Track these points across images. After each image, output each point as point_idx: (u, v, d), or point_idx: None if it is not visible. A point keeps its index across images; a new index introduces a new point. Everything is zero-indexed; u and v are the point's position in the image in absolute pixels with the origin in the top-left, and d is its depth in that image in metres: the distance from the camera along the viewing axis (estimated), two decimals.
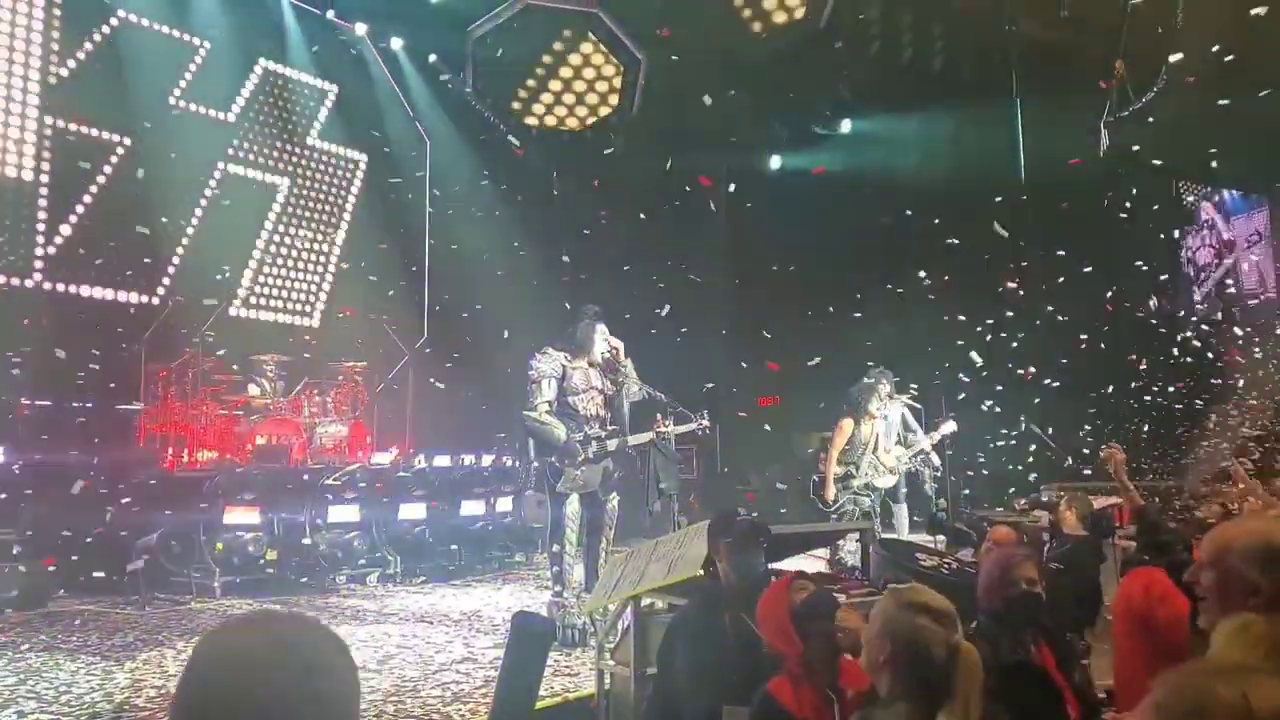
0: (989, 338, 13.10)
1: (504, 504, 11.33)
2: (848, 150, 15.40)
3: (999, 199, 13.18)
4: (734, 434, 13.97)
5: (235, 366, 10.86)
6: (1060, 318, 13.39)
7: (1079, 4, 11.77)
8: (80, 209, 10.92)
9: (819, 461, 9.07)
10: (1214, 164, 13.76)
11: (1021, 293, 13.43)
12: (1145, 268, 14.29)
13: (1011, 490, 12.67)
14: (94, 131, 11.15)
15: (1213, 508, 7.44)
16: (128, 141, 11.39)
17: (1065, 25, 12.25)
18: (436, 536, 10.58)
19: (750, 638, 3.37)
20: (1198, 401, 14.37)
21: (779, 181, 16.14)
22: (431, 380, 12.79)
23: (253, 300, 12.69)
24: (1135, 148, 13.12)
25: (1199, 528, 5.76)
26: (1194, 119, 12.01)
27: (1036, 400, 13.33)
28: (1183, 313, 17.61)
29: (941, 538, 8.12)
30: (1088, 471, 12.58)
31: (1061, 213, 13.35)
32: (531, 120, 14.14)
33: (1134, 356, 14.13)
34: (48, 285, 10.59)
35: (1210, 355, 14.99)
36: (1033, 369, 11.89)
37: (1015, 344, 13.13)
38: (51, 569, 8.47)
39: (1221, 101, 11.53)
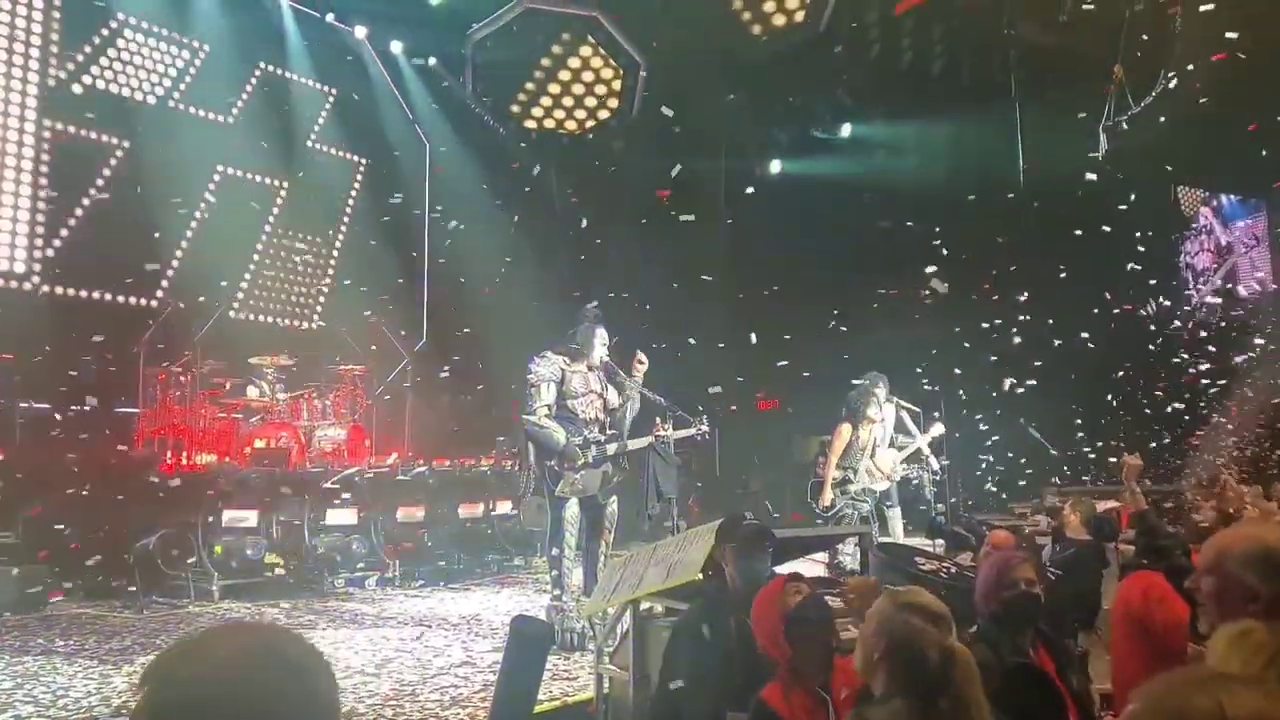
0: (992, 337, 13.11)
1: (503, 507, 11.34)
2: (847, 154, 15.41)
3: (998, 203, 13.21)
4: (733, 437, 13.97)
5: (234, 370, 10.85)
6: (1055, 321, 13.40)
7: (1078, 8, 11.78)
8: (79, 211, 10.91)
9: (817, 465, 9.09)
10: (1212, 168, 13.78)
11: (1021, 297, 13.43)
12: (1144, 272, 14.28)
13: (1003, 497, 12.70)
14: (93, 134, 11.15)
15: (1209, 512, 7.45)
16: (127, 144, 11.39)
17: (1064, 30, 12.27)
18: (435, 540, 10.59)
19: (755, 642, 3.38)
20: (1195, 405, 14.38)
21: (779, 185, 16.14)
22: (423, 379, 12.78)
23: (251, 303, 12.68)
24: (1134, 152, 13.13)
25: (1196, 532, 5.77)
26: (1193, 123, 12.02)
27: (1035, 404, 13.34)
28: (1181, 316, 17.61)
29: (940, 542, 8.12)
30: (1085, 477, 12.60)
31: (1060, 217, 13.36)
32: (531, 124, 14.15)
33: (1131, 360, 14.14)
34: (46, 288, 10.59)
35: (1208, 358, 15.00)
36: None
37: (1014, 347, 13.13)
38: (49, 571, 8.45)
39: (1220, 106, 11.54)
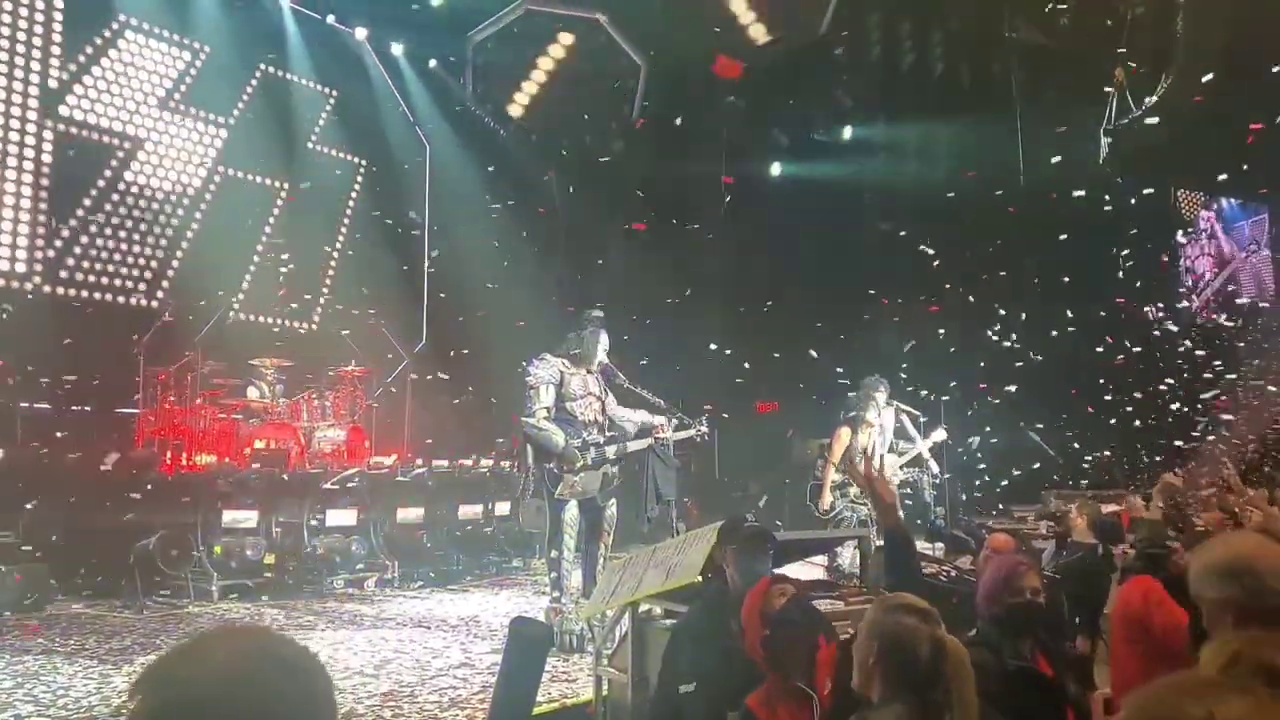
0: (995, 339, 13.12)
1: (502, 509, 11.34)
2: (848, 158, 15.41)
3: (998, 207, 13.22)
4: (733, 440, 13.97)
5: (234, 370, 10.85)
6: (1055, 325, 13.41)
7: (1079, 13, 11.80)
8: (80, 212, 10.92)
9: (816, 469, 9.08)
10: (1213, 172, 13.79)
11: (1021, 301, 13.44)
12: (1144, 276, 14.30)
13: (997, 502, 12.70)
14: (94, 135, 11.16)
15: (1214, 515, 7.44)
16: (128, 145, 11.40)
17: (1065, 34, 12.29)
18: (434, 541, 10.59)
19: None
20: (1197, 409, 14.39)
21: (779, 188, 16.15)
22: (422, 380, 12.78)
23: (251, 304, 12.68)
24: (1134, 156, 13.15)
25: (1193, 536, 5.76)
26: (1194, 128, 12.04)
27: (1034, 408, 13.35)
28: (1181, 320, 17.62)
29: (940, 545, 8.13)
30: (1085, 481, 12.60)
31: (1061, 220, 13.39)
32: (532, 125, 14.18)
33: (1131, 364, 14.15)
34: (47, 288, 10.59)
35: (1209, 362, 15.01)
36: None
37: (1014, 350, 13.14)
38: (49, 570, 8.45)
39: (1221, 111, 11.56)
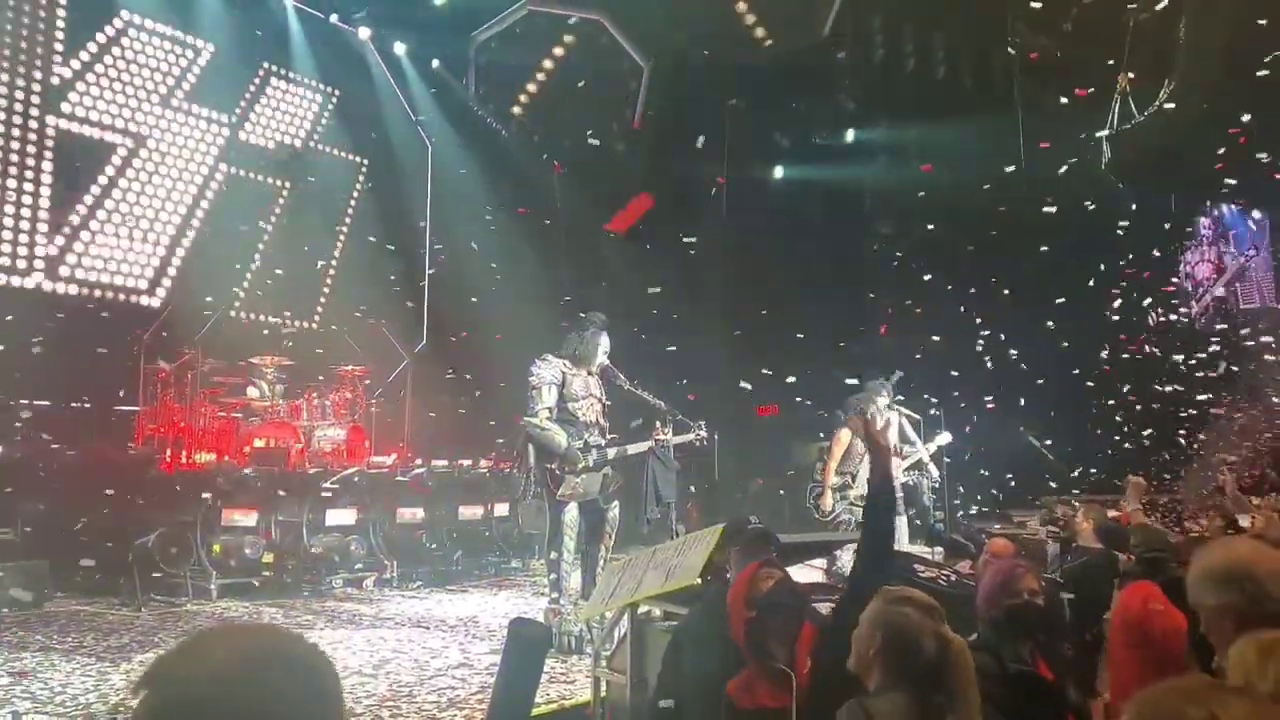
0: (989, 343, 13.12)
1: (502, 509, 11.33)
2: (850, 161, 15.41)
3: (999, 210, 13.22)
4: (732, 443, 13.96)
5: (234, 369, 10.85)
6: (1055, 330, 13.40)
7: (1082, 17, 11.80)
8: (81, 209, 10.93)
9: (816, 471, 9.07)
10: (1212, 177, 13.78)
11: (1021, 304, 13.44)
12: (1143, 281, 14.30)
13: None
14: (96, 132, 11.16)
15: (1215, 521, 7.44)
16: (129, 143, 11.41)
17: (1068, 38, 12.29)
18: (433, 541, 10.59)
19: None
20: (1195, 413, 14.38)
21: (780, 190, 16.15)
22: (422, 380, 12.77)
23: (252, 303, 12.68)
24: (1135, 161, 13.15)
25: (1189, 541, 5.76)
26: (1194, 134, 12.05)
27: (1034, 412, 13.34)
28: (1181, 326, 17.61)
29: (939, 549, 8.11)
30: (1077, 488, 12.58)
31: (1061, 225, 13.38)
32: (533, 126, 14.18)
33: (1131, 368, 14.14)
34: (48, 285, 10.59)
35: (1208, 367, 15.00)
36: (991, 400, 11.87)
37: (1013, 355, 13.14)
38: (48, 567, 8.46)
39: (1222, 116, 11.56)
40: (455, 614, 8.42)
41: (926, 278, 13.54)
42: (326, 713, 1.23)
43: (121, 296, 11.22)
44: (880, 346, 13.50)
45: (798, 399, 13.45)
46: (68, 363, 9.88)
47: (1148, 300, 14.62)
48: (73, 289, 10.80)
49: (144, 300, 11.40)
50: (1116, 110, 12.54)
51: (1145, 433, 13.79)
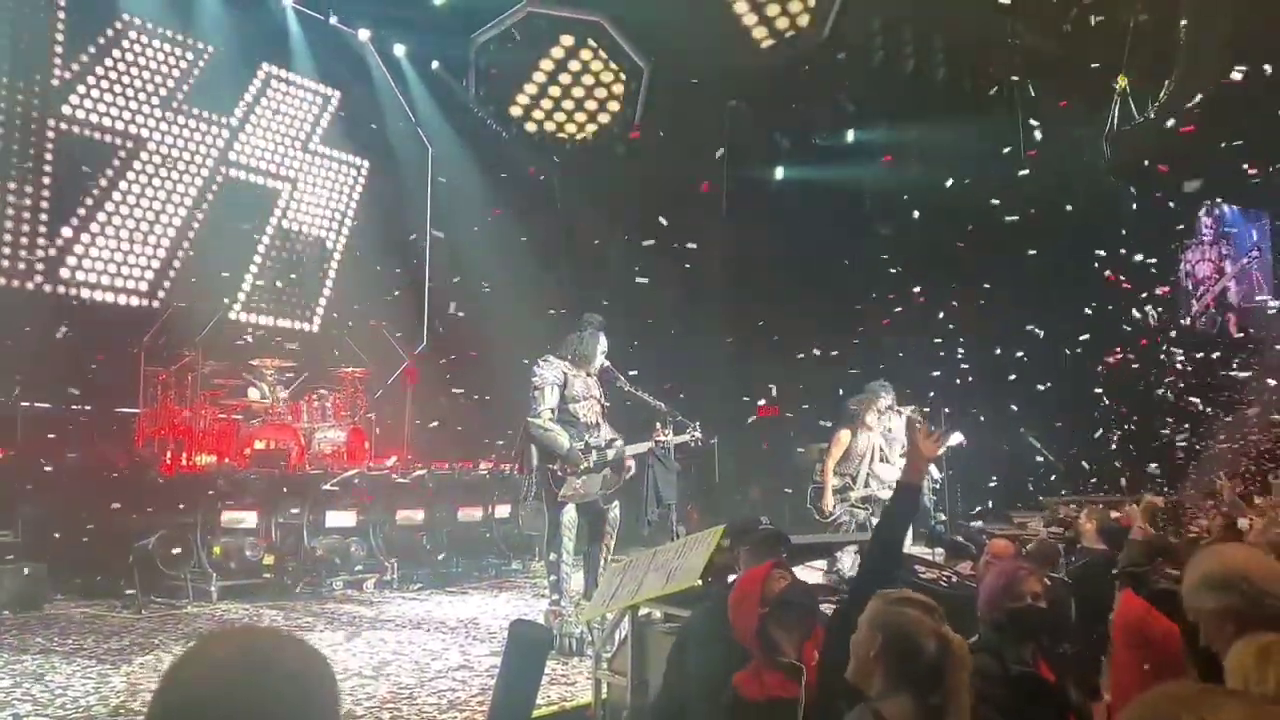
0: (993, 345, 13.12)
1: (502, 511, 11.33)
2: (850, 162, 15.41)
3: (999, 210, 13.21)
4: (733, 444, 13.96)
5: (234, 371, 10.86)
6: (1056, 329, 13.40)
7: (1082, 17, 11.80)
8: (81, 211, 10.93)
9: (816, 472, 9.06)
10: (1214, 178, 13.79)
11: (1023, 304, 13.43)
12: (1144, 280, 14.29)
13: (982, 503, 12.67)
14: (96, 135, 11.16)
15: (1215, 521, 7.44)
16: (130, 144, 11.41)
17: (1068, 38, 12.29)
18: (434, 543, 10.59)
19: None
20: (1196, 414, 14.37)
21: (781, 192, 16.15)
22: (423, 382, 12.77)
23: (253, 305, 12.69)
24: (1136, 161, 13.15)
25: (1194, 543, 5.76)
26: (1196, 132, 12.03)
27: (1035, 413, 13.33)
28: (1181, 326, 17.60)
29: (939, 550, 8.12)
30: (1064, 491, 12.57)
31: (1062, 225, 13.38)
32: (533, 127, 14.17)
33: (1131, 369, 14.14)
34: (48, 288, 10.59)
35: (1209, 368, 15.00)
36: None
37: (1015, 355, 13.13)
38: (48, 570, 8.46)
39: (1223, 116, 11.56)
40: (455, 616, 8.42)
41: (928, 277, 13.54)
42: (325, 715, 1.25)
43: (122, 299, 11.22)
44: (881, 346, 13.49)
45: (799, 400, 13.45)
46: (68, 365, 9.88)
47: (1148, 299, 14.59)
48: (73, 291, 10.81)
49: (144, 302, 11.40)
50: (1116, 111, 12.53)
51: (1144, 431, 13.80)
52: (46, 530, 8.76)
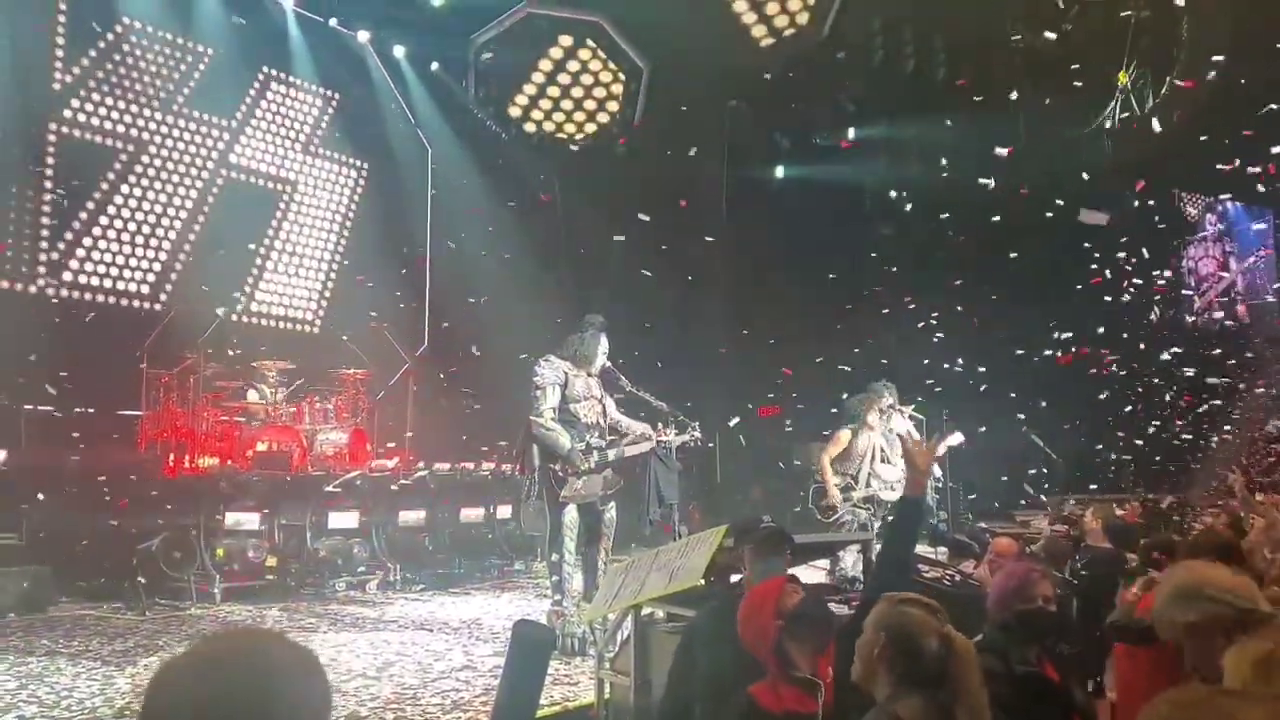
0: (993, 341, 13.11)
1: (504, 511, 11.33)
2: (850, 161, 15.40)
3: (1001, 210, 13.21)
4: (734, 444, 13.97)
5: (236, 373, 10.86)
6: (1058, 328, 13.39)
7: (1082, 16, 11.80)
8: (83, 214, 10.94)
9: (816, 472, 9.04)
10: (1215, 174, 13.78)
11: (1024, 304, 13.43)
12: (1147, 277, 14.29)
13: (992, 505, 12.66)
14: (97, 138, 11.18)
15: (1220, 519, 7.43)
16: (131, 147, 11.42)
17: (1069, 37, 12.28)
18: (436, 544, 10.59)
19: None
20: (1200, 412, 14.37)
21: (781, 191, 16.15)
22: (424, 383, 12.77)
23: (254, 307, 12.70)
24: (1137, 158, 13.14)
25: (1192, 545, 5.75)
26: (1197, 130, 12.04)
27: (1037, 411, 13.32)
28: (1184, 322, 17.60)
29: (942, 549, 8.11)
30: (1059, 492, 12.55)
31: (1063, 222, 13.38)
32: (533, 128, 14.18)
33: (1134, 366, 14.14)
34: (51, 290, 10.61)
35: (1212, 364, 14.99)
36: (982, 429, 11.86)
37: (1017, 353, 13.13)
38: (52, 572, 8.47)
39: (1224, 113, 11.55)
40: (458, 616, 8.42)
41: (928, 276, 13.55)
42: (318, 714, 1.25)
43: (124, 301, 11.24)
44: (883, 348, 13.48)
45: (800, 400, 13.46)
46: (70, 368, 9.89)
47: (1151, 297, 14.59)
48: (75, 294, 10.82)
49: (146, 305, 11.41)
50: (1118, 107, 12.53)
51: (1149, 431, 13.79)
52: (50, 533, 8.77)
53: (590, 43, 13.68)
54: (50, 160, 10.68)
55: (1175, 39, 11.84)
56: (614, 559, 7.08)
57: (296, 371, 11.24)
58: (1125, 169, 13.89)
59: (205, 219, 12.09)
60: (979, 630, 3.13)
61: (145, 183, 11.50)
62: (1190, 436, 14.14)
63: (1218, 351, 15.38)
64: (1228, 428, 14.22)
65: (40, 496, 8.85)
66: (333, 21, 13.22)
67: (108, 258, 11.09)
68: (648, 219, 13.27)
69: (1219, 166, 12.55)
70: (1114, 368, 13.73)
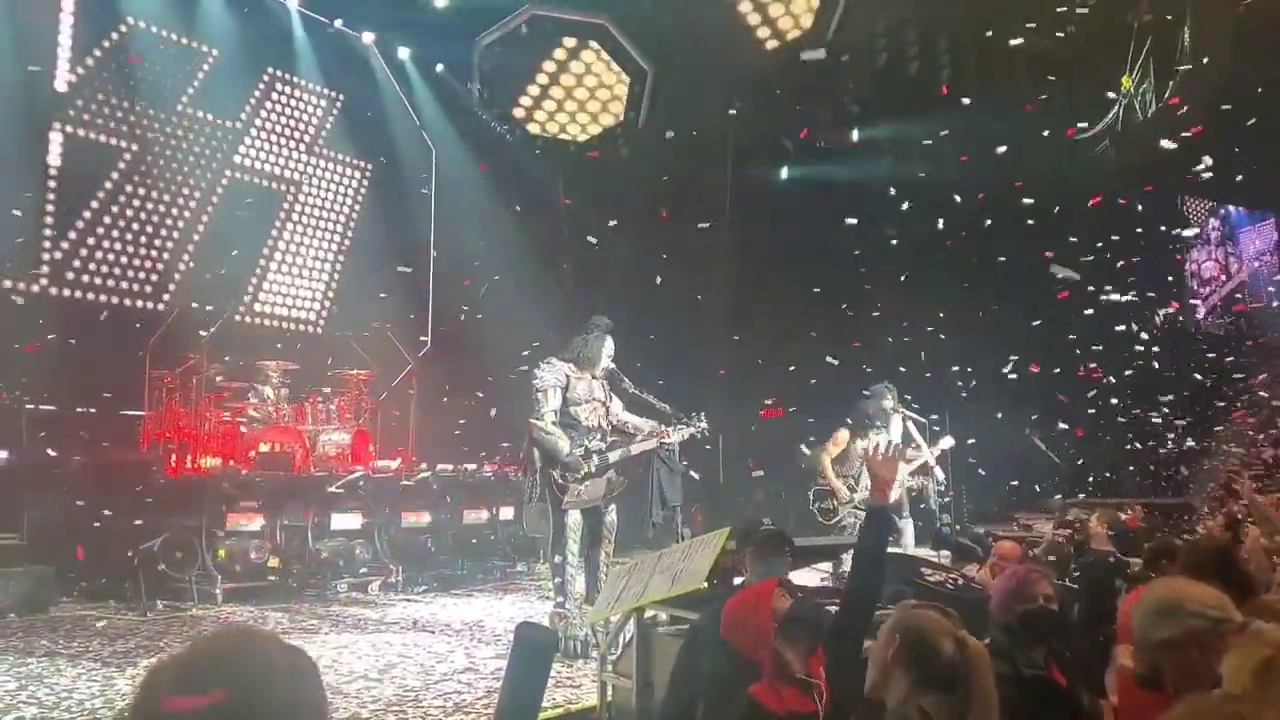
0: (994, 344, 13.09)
1: (506, 513, 11.33)
2: (853, 163, 15.40)
3: (1002, 212, 13.20)
4: (738, 446, 13.96)
5: (239, 374, 10.87)
6: (1059, 331, 13.37)
7: (1086, 20, 11.79)
8: (87, 214, 10.96)
9: (819, 474, 9.03)
10: (1219, 178, 13.77)
11: (1025, 307, 13.41)
12: (1150, 281, 14.26)
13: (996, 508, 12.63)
14: (101, 137, 11.19)
15: (1217, 520, 7.42)
16: (135, 147, 11.43)
17: (1072, 40, 12.27)
18: (438, 545, 10.58)
19: None
20: (1203, 415, 14.34)
21: (784, 193, 16.14)
22: (427, 384, 12.77)
23: (258, 307, 12.72)
24: (1140, 162, 13.13)
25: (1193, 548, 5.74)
26: (1200, 134, 12.02)
27: (1041, 414, 13.30)
28: (1187, 326, 17.57)
29: (946, 553, 8.09)
30: (1059, 495, 12.53)
31: (1067, 227, 13.35)
32: (537, 130, 14.19)
33: (1136, 370, 14.11)
34: (53, 290, 10.62)
35: (1215, 367, 14.97)
36: (977, 439, 11.85)
37: (1021, 357, 13.11)
38: (53, 572, 8.47)
39: (1227, 117, 11.54)
40: (460, 618, 8.41)
41: (929, 277, 13.53)
42: (318, 715, 1.25)
43: (127, 301, 11.25)
44: (884, 349, 13.48)
45: (803, 402, 13.44)
46: (73, 367, 9.90)
47: (1154, 301, 14.56)
48: (78, 294, 10.83)
49: (150, 305, 11.42)
50: (1121, 112, 12.52)
51: (1151, 433, 13.76)
52: (52, 533, 8.77)
53: (594, 45, 13.68)
54: (55, 159, 10.69)
55: (1178, 44, 11.83)
56: (616, 561, 7.07)
57: (299, 372, 11.24)
58: (1128, 171, 13.87)
59: (209, 219, 12.11)
60: (982, 634, 3.13)
61: (149, 182, 11.53)
62: (1192, 441, 14.11)
63: (1218, 354, 15.35)
64: (1231, 431, 14.20)
65: (42, 496, 8.86)
66: (338, 23, 13.25)
67: (111, 257, 11.12)
68: (650, 222, 13.28)
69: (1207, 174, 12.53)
70: (1111, 379, 13.72)
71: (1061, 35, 12.14)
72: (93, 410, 10.19)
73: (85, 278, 10.90)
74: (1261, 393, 14.45)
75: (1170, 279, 17.15)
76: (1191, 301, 18.31)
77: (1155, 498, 12.10)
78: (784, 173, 16.32)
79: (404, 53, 13.96)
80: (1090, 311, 13.12)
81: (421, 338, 13.63)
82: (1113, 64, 12.43)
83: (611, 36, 13.51)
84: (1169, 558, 4.75)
